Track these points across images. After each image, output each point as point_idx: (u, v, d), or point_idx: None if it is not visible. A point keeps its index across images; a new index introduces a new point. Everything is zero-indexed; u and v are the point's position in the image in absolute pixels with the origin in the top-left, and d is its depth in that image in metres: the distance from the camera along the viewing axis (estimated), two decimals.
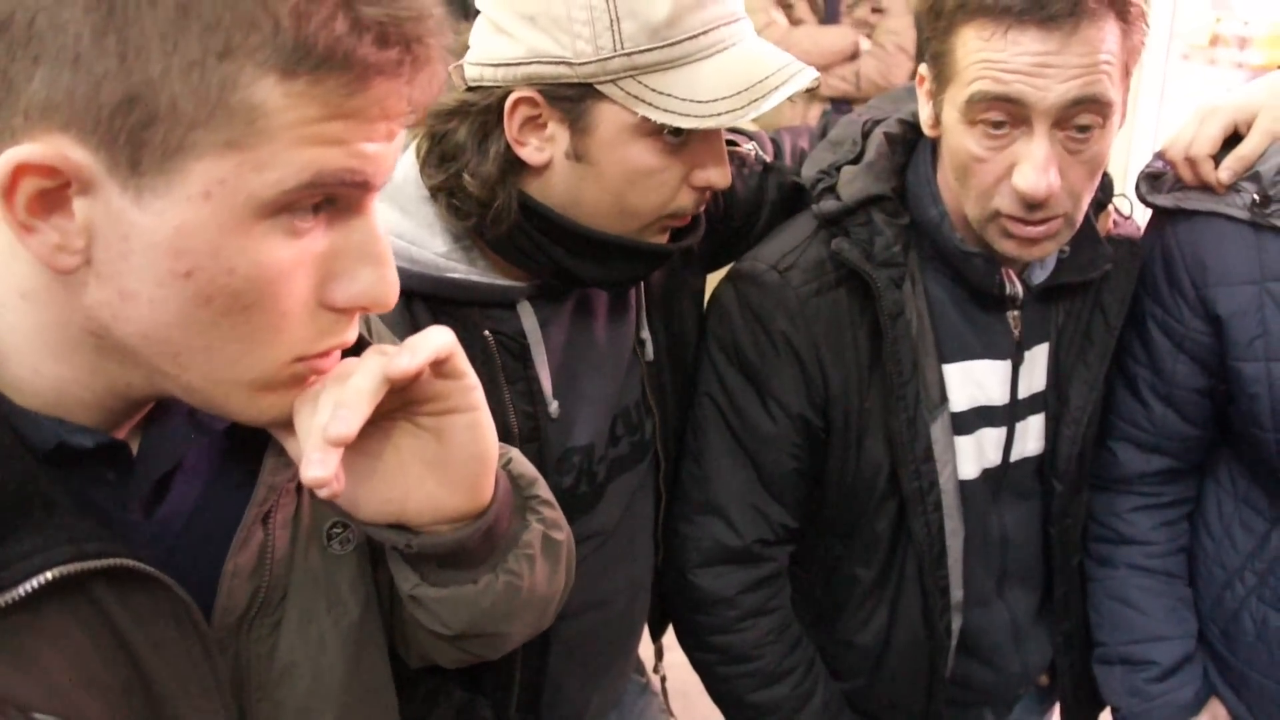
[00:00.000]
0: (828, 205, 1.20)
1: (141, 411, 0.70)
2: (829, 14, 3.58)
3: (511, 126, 1.01)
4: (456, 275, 1.05)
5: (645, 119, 0.98)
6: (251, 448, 0.74)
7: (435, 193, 1.05)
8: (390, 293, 0.66)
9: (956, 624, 1.32)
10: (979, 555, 1.32)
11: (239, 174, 0.57)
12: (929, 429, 1.23)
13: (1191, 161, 1.24)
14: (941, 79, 1.12)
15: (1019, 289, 1.24)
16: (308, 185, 0.58)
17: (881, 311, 1.19)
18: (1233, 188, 1.22)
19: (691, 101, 0.98)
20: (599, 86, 0.98)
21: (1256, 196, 1.19)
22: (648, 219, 1.06)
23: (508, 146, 1.02)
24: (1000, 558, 1.34)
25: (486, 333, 1.07)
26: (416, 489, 0.73)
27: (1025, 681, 1.44)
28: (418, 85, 0.61)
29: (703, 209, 1.13)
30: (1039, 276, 1.25)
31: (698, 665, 1.37)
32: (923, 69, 1.17)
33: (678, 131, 1.00)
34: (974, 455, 1.28)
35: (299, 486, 0.77)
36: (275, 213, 0.59)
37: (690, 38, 0.98)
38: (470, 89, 1.03)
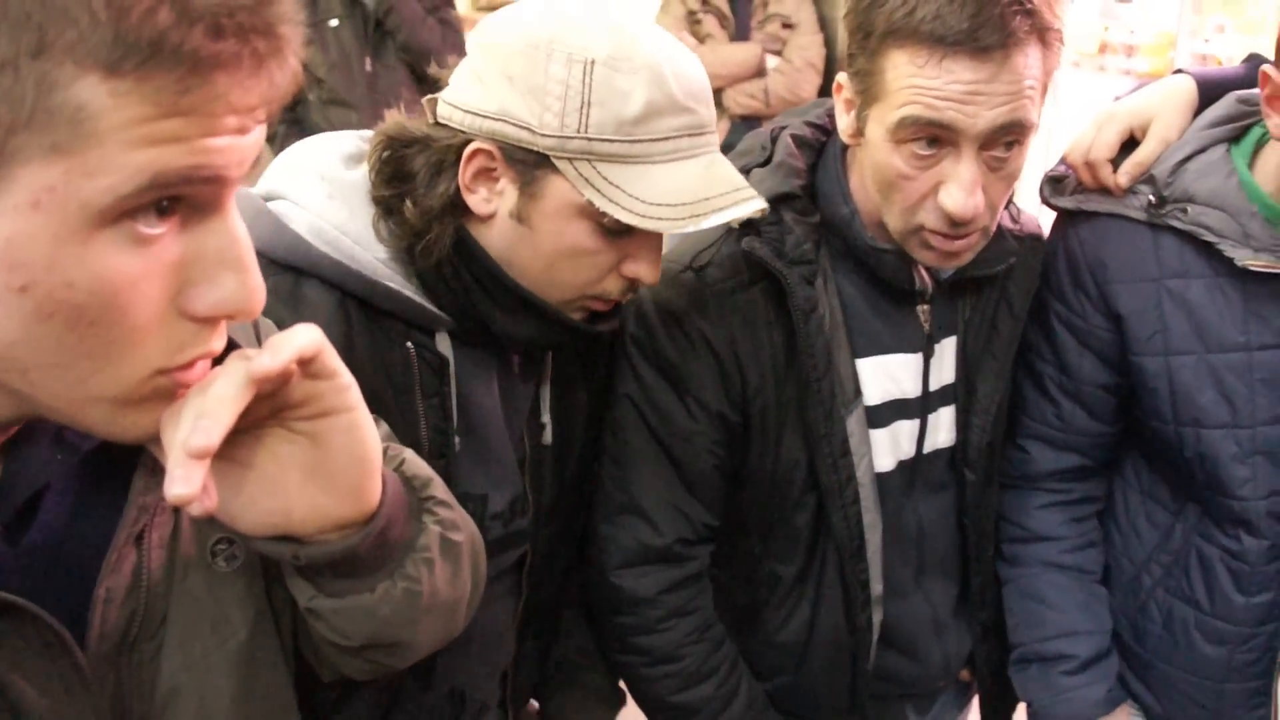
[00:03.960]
0: None
1: (5, 434, 0.66)
2: (739, 31, 3.65)
3: (465, 173, 1.02)
4: (392, 285, 1.04)
5: (590, 203, 0.99)
6: (123, 466, 0.71)
7: (377, 204, 1.05)
8: (254, 300, 0.61)
9: (877, 617, 1.33)
10: (896, 548, 1.33)
11: (69, 180, 0.52)
12: (845, 423, 1.24)
13: (1091, 166, 1.29)
14: (867, 95, 1.13)
15: (928, 283, 1.27)
16: (147, 188, 0.54)
17: (794, 308, 1.20)
18: (1130, 190, 1.27)
19: (638, 200, 0.99)
20: (555, 160, 0.99)
21: (1152, 198, 1.25)
22: (571, 294, 1.07)
23: (457, 190, 1.03)
24: (917, 549, 1.36)
25: (409, 345, 1.07)
26: (299, 497, 0.69)
27: (946, 674, 1.45)
28: (265, 79, 0.57)
29: (626, 298, 1.13)
30: (947, 271, 1.27)
31: (620, 668, 1.36)
32: (841, 78, 1.18)
33: (618, 222, 1.00)
34: (889, 448, 1.30)
35: None
36: (115, 220, 0.54)
37: (653, 140, 0.99)
38: (438, 123, 1.04)
